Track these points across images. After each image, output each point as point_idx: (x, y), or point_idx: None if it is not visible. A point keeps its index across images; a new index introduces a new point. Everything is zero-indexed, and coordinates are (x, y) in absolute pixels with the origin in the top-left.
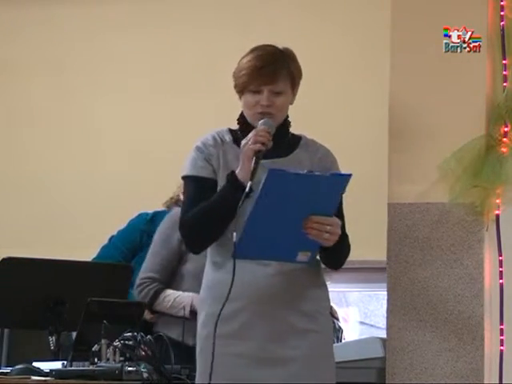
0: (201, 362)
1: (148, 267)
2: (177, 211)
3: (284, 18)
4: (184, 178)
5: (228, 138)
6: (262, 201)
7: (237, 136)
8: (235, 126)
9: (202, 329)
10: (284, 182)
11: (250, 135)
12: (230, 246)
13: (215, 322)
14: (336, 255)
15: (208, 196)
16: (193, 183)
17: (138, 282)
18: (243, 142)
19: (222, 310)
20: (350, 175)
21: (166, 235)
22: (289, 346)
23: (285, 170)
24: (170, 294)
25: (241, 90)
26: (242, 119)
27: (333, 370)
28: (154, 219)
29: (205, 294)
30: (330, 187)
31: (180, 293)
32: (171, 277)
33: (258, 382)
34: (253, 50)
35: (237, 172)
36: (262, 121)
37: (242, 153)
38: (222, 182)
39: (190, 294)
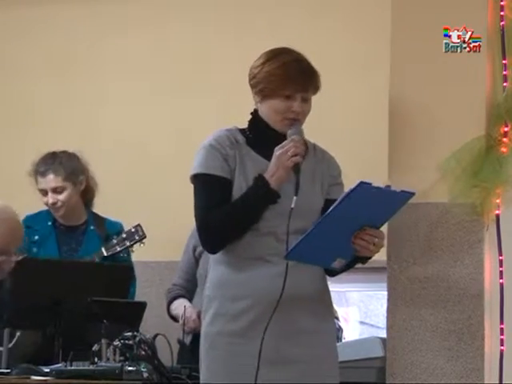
0: (210, 359)
1: (176, 274)
2: None
3: (284, 18)
4: (199, 175)
5: (240, 138)
6: (339, 210)
7: (248, 137)
8: (242, 126)
9: (211, 326)
10: (366, 194)
11: (288, 144)
12: (241, 245)
13: (266, 322)
14: (353, 265)
15: (226, 196)
16: (211, 182)
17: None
18: (278, 150)
19: (274, 310)
20: (414, 193)
21: (186, 243)
22: (296, 346)
23: (371, 183)
24: (176, 304)
25: (269, 94)
26: (256, 121)
27: (337, 370)
28: (34, 217)
29: (213, 292)
30: (393, 201)
31: (181, 304)
32: (195, 281)
33: (264, 381)
34: (278, 54)
35: (268, 178)
36: (293, 129)
37: (278, 161)
38: (238, 184)
39: (183, 305)
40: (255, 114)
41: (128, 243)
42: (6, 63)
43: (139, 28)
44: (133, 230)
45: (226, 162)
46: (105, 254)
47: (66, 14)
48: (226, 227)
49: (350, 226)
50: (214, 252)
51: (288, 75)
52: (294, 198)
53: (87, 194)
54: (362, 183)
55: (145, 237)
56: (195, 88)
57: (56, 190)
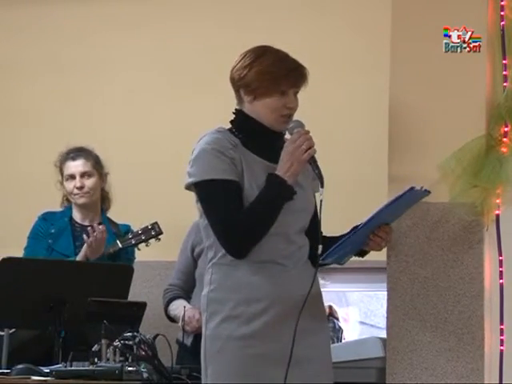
0: (220, 362)
1: (173, 275)
2: (196, 222)
3: (285, 18)
4: (211, 181)
5: (236, 141)
6: (383, 213)
7: (240, 138)
8: (228, 126)
9: (221, 329)
10: (410, 198)
11: (298, 139)
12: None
13: (282, 325)
14: None
15: (240, 199)
16: (226, 187)
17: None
18: (290, 145)
19: (301, 310)
20: (430, 192)
21: (183, 244)
22: (305, 346)
23: (416, 187)
24: (175, 305)
25: (263, 92)
26: (246, 122)
27: (332, 369)
28: (52, 213)
29: (224, 294)
30: (413, 200)
31: (181, 305)
32: (192, 281)
33: (274, 381)
34: (265, 52)
35: (282, 175)
36: (294, 123)
37: (292, 157)
38: (249, 187)
39: (183, 306)
40: (241, 113)
41: (143, 237)
42: (6, 62)
43: (140, 27)
44: (149, 226)
45: (234, 165)
46: (120, 245)
47: (66, 13)
48: (252, 231)
49: (375, 225)
50: (242, 257)
51: (282, 72)
52: (321, 189)
53: (104, 198)
54: (413, 189)
55: (161, 233)
56: (196, 87)
57: (84, 175)
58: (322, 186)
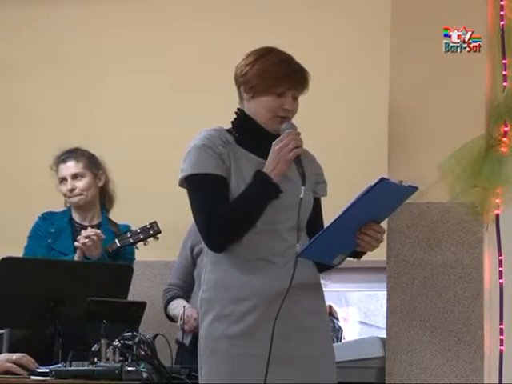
0: (212, 362)
1: (172, 274)
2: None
3: (285, 19)
4: (196, 175)
5: (230, 138)
6: (357, 206)
7: (235, 136)
8: (227, 126)
9: (211, 329)
10: (384, 190)
11: (286, 138)
12: (241, 246)
13: (273, 322)
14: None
15: (226, 195)
16: (211, 181)
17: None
18: (277, 144)
19: (280, 307)
20: (417, 188)
21: (182, 243)
22: (299, 345)
23: (389, 179)
24: (174, 304)
25: (261, 91)
26: (244, 120)
27: (335, 368)
28: (53, 213)
29: (213, 295)
30: (398, 196)
31: (180, 304)
32: (192, 281)
33: (270, 381)
34: (270, 52)
35: (268, 173)
36: (286, 124)
37: (278, 155)
38: (236, 182)
39: (182, 305)
40: (241, 113)
41: (142, 236)
42: (5, 62)
43: (139, 27)
44: (148, 225)
45: (221, 160)
46: (118, 244)
47: (65, 13)
48: (232, 226)
49: (358, 222)
50: (220, 251)
51: (282, 73)
52: (303, 188)
53: (105, 197)
54: (383, 179)
55: (159, 232)
56: (196, 86)
57: (76, 177)
58: (304, 185)
